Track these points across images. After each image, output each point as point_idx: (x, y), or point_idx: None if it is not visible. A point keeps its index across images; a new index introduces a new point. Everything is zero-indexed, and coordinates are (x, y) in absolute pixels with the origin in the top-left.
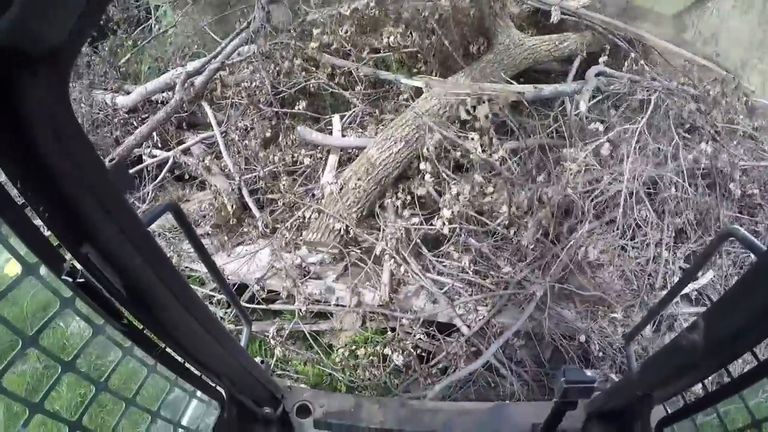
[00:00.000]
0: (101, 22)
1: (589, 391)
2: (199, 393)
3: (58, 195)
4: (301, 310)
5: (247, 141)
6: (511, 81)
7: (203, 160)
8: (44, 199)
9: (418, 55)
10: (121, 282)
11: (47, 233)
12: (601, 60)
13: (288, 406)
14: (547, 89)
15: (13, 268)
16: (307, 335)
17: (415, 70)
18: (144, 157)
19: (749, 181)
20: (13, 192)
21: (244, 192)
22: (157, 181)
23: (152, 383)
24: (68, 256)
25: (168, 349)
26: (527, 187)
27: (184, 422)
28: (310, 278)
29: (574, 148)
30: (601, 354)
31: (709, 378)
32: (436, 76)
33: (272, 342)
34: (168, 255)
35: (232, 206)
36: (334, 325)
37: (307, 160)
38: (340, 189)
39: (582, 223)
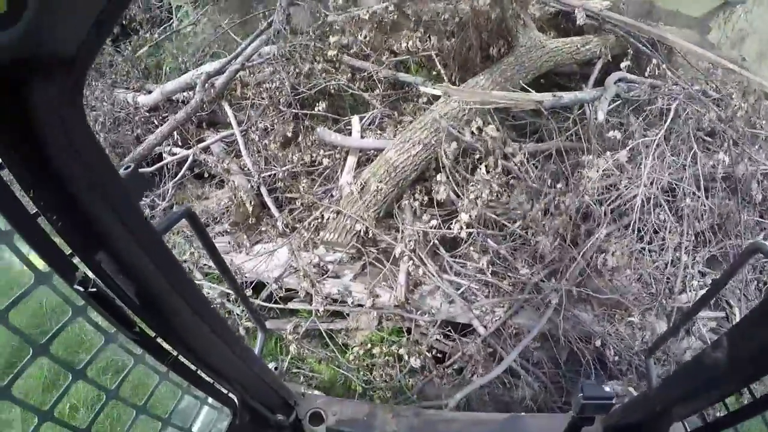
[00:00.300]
0: (123, 22)
1: (607, 408)
2: (210, 399)
3: (70, 202)
4: (318, 310)
5: (266, 141)
6: (529, 88)
7: (223, 159)
8: (56, 207)
9: (438, 57)
10: (134, 289)
11: (59, 242)
12: (623, 64)
13: (301, 413)
14: (567, 97)
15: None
16: (324, 334)
17: (434, 73)
18: (164, 155)
19: None
20: (26, 201)
21: (263, 191)
22: (176, 178)
23: (163, 389)
24: (80, 263)
25: (180, 357)
26: (544, 192)
27: (195, 429)
28: (327, 277)
29: (593, 155)
30: (617, 358)
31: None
32: (455, 78)
33: (289, 337)
34: (189, 250)
35: (251, 202)
36: (350, 324)
37: (325, 161)
38: (360, 189)
39: (600, 226)
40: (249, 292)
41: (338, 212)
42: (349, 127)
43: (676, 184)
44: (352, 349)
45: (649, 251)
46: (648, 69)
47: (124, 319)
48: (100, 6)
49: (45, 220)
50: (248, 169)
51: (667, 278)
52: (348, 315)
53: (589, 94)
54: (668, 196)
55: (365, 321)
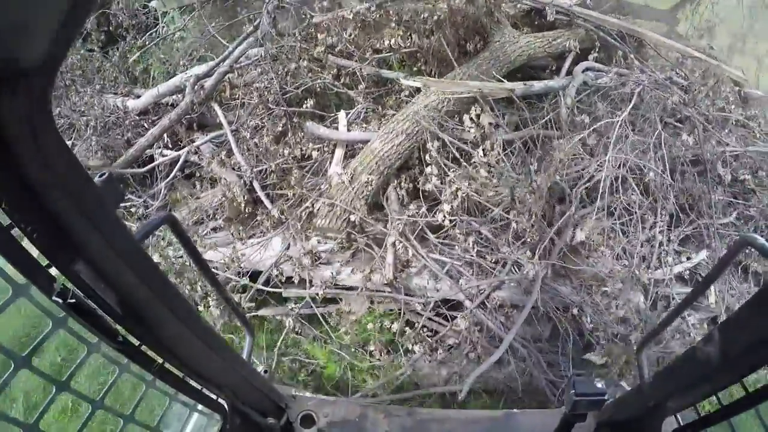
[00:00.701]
0: (110, 28)
1: (599, 404)
2: (200, 406)
3: (44, 213)
4: (318, 294)
5: (256, 139)
6: (503, 79)
7: (218, 155)
8: (30, 217)
9: (418, 54)
10: (115, 299)
11: (36, 253)
12: (591, 56)
13: (292, 416)
14: (537, 85)
15: None
16: (319, 317)
17: (415, 69)
18: (156, 157)
19: (740, 167)
20: None
21: (256, 185)
22: (168, 179)
23: (151, 397)
24: (58, 273)
25: (166, 364)
26: (521, 180)
27: None
28: (320, 263)
29: (564, 139)
30: (592, 326)
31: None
32: (435, 73)
33: (291, 311)
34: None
35: (244, 197)
36: (343, 308)
37: (315, 154)
38: (350, 179)
39: (571, 205)
40: (246, 279)
41: (332, 205)
42: (336, 123)
43: (644, 165)
44: (345, 326)
45: (623, 232)
46: (614, 60)
47: (106, 328)
48: (62, 15)
49: (19, 231)
50: (240, 166)
51: (643, 257)
52: (341, 300)
53: (558, 82)
54: (637, 176)
55: (357, 304)
